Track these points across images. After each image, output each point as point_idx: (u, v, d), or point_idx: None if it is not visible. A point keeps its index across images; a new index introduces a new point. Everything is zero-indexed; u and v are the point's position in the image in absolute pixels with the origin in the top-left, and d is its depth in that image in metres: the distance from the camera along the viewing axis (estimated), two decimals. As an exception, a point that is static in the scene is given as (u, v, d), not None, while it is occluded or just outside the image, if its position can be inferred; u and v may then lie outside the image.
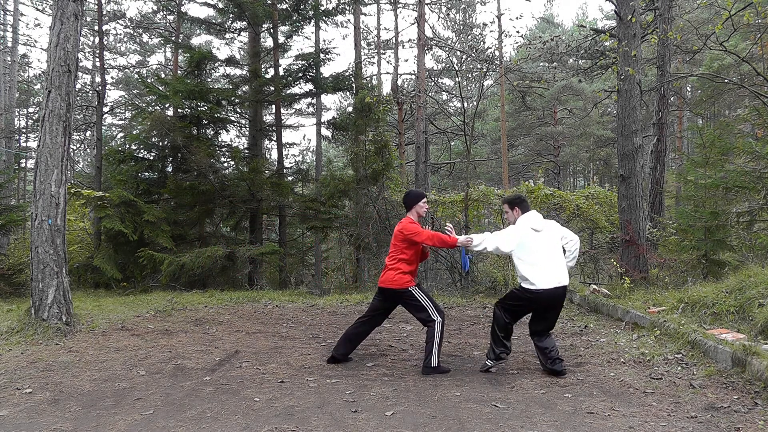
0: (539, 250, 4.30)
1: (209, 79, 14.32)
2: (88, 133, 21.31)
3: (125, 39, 26.07)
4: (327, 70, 27.10)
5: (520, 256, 4.33)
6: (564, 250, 4.48)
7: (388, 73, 27.30)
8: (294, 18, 13.79)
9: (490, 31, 27.97)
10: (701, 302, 5.42)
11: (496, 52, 21.92)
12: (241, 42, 19.81)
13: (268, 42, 13.99)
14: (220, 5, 13.68)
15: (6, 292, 10.74)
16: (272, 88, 13.20)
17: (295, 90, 14.17)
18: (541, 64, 25.67)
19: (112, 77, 26.33)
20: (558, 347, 4.86)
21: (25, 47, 25.22)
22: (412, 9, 19.27)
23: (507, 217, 4.63)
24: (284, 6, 13.83)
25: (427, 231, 4.61)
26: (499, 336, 4.44)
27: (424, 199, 4.71)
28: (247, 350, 5.23)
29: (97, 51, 19.46)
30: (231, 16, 13.78)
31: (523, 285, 4.33)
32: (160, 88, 12.58)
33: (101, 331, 5.90)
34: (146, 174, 12.65)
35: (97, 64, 22.09)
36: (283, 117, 15.29)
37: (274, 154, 15.85)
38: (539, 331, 4.43)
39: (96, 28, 17.39)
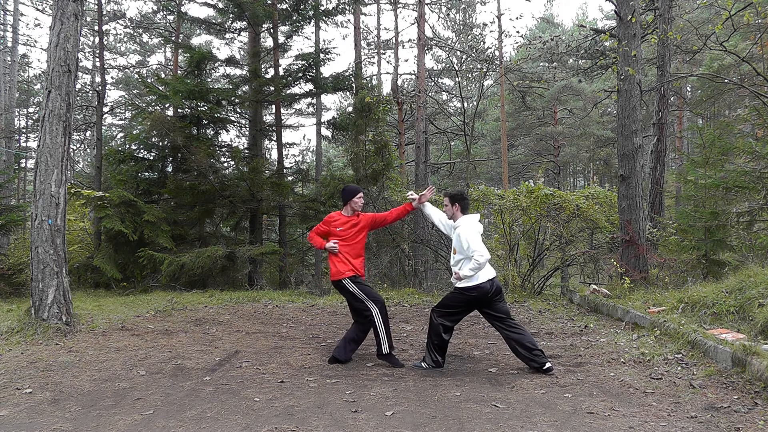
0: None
1: (209, 79, 14.33)
2: (88, 133, 21.31)
3: (125, 39, 26.09)
4: (327, 70, 27.16)
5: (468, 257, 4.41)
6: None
7: (388, 73, 27.31)
8: (294, 18, 13.80)
9: (490, 31, 27.97)
10: (701, 302, 5.42)
11: (496, 52, 21.93)
12: (241, 42, 19.86)
13: (268, 42, 14.00)
14: (220, 5, 13.69)
15: (6, 292, 10.74)
16: (272, 88, 13.20)
17: (295, 90, 14.17)
18: (541, 64, 25.69)
19: (112, 77, 26.35)
20: (557, 346, 4.88)
21: (25, 47, 25.25)
22: (412, 9, 19.28)
23: (445, 211, 4.72)
24: (284, 6, 13.83)
25: (311, 232, 4.98)
26: (434, 344, 4.54)
27: (360, 194, 4.98)
28: (247, 350, 5.23)
29: (97, 51, 19.46)
30: (231, 16, 13.78)
31: (465, 284, 4.38)
32: (160, 88, 12.58)
33: (101, 331, 5.90)
34: (146, 174, 12.67)
35: (97, 64, 22.09)
36: (283, 117, 15.29)
37: (274, 154, 15.88)
38: (503, 319, 4.47)
39: (96, 28, 17.39)
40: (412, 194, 5.04)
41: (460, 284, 4.40)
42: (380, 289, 9.77)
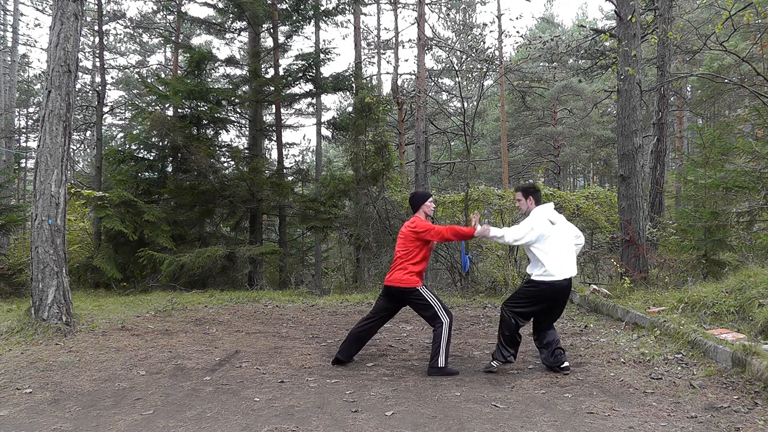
0: (556, 242, 4.31)
1: (209, 79, 14.33)
2: (88, 133, 21.30)
3: (125, 39, 26.09)
4: (327, 70, 27.11)
5: (540, 246, 4.31)
6: None
7: (388, 73, 27.32)
8: (294, 18, 13.80)
9: (490, 31, 27.93)
10: (701, 302, 5.42)
11: (496, 52, 21.93)
12: (241, 42, 19.83)
13: (268, 42, 14.00)
14: (220, 5, 13.69)
15: (6, 292, 10.74)
16: (272, 88, 13.20)
17: (295, 90, 14.17)
18: (541, 64, 25.68)
19: (112, 77, 26.35)
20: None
21: (25, 47, 25.24)
22: (412, 9, 19.26)
23: (519, 206, 4.61)
24: (284, 6, 13.83)
25: (440, 226, 4.57)
26: (506, 337, 4.40)
27: (431, 199, 4.73)
28: (247, 350, 5.23)
29: (97, 51, 19.46)
30: (231, 16, 13.78)
31: (536, 277, 4.30)
32: (160, 88, 12.58)
33: (101, 331, 5.90)
34: (146, 174, 12.67)
35: (97, 64, 22.09)
36: (283, 117, 15.29)
37: (274, 154, 15.87)
38: (543, 328, 4.42)
39: (96, 28, 17.39)
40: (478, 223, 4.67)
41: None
42: (379, 289, 9.77)
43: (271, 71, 13.70)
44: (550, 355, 4.33)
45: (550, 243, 4.29)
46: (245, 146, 13.69)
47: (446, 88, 25.08)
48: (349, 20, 20.16)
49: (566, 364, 4.30)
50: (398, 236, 4.69)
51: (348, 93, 15.02)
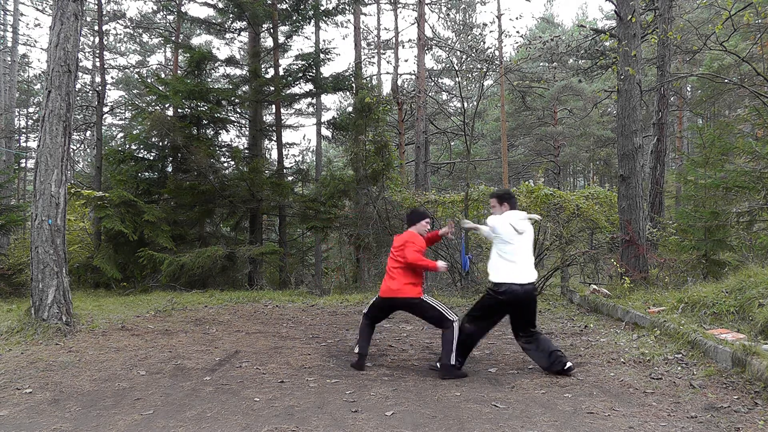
0: (515, 250, 4.31)
1: (209, 79, 14.33)
2: (88, 133, 21.31)
3: (125, 39, 26.08)
4: (327, 70, 27.13)
5: (498, 249, 4.36)
6: None
7: (388, 73, 27.32)
8: (294, 18, 13.80)
9: (490, 31, 27.98)
10: (701, 302, 5.42)
11: (496, 52, 21.92)
12: (241, 42, 19.85)
13: (268, 42, 14.00)
14: (220, 5, 13.69)
15: (6, 292, 10.75)
16: (272, 88, 13.20)
17: (295, 90, 14.18)
18: (541, 64, 25.67)
19: (112, 77, 26.35)
20: (557, 346, 4.85)
21: (25, 47, 25.25)
22: (412, 9, 19.27)
23: (494, 211, 4.61)
24: (284, 6, 13.84)
25: (415, 256, 4.57)
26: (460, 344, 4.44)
27: (427, 219, 4.82)
28: (247, 350, 5.23)
29: (97, 51, 19.46)
30: (231, 16, 13.79)
31: (496, 281, 4.32)
32: (160, 88, 12.59)
33: (101, 331, 5.90)
34: (146, 174, 12.67)
35: (97, 64, 22.08)
36: (283, 117, 15.29)
37: (274, 154, 15.88)
38: (523, 330, 4.42)
39: (96, 28, 17.39)
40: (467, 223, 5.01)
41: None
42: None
43: (271, 71, 13.71)
44: (550, 363, 4.31)
45: (508, 248, 4.31)
46: (245, 146, 13.70)
47: (446, 88, 25.08)
48: (349, 20, 20.18)
49: (570, 364, 4.26)
50: (393, 246, 4.72)
51: (348, 93, 15.03)
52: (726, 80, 13.82)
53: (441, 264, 4.55)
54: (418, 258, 4.51)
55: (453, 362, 4.33)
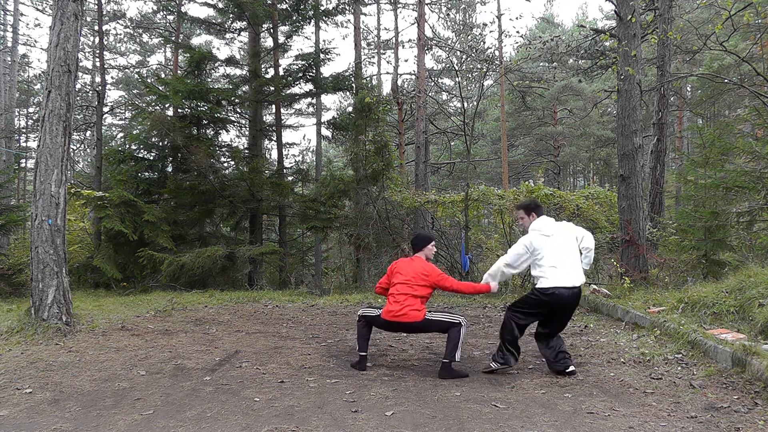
0: (549, 255, 4.27)
1: (209, 79, 14.33)
2: (88, 133, 21.32)
3: (125, 39, 26.10)
4: (327, 70, 27.06)
5: (534, 260, 4.34)
6: (580, 251, 4.45)
7: (388, 73, 27.34)
8: (294, 18, 13.80)
9: (490, 31, 27.95)
10: (701, 302, 5.42)
11: (496, 52, 21.93)
12: (241, 42, 19.84)
13: (268, 42, 14.00)
14: (220, 5, 13.69)
15: (6, 292, 10.75)
16: (272, 88, 13.20)
17: (295, 90, 14.18)
18: (541, 64, 25.68)
19: (112, 77, 26.37)
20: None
21: (25, 47, 25.25)
22: (412, 9, 19.27)
23: (523, 223, 4.56)
24: (284, 6, 13.84)
25: (461, 282, 4.69)
26: (507, 340, 4.38)
27: (433, 243, 4.83)
28: (247, 350, 5.23)
29: (97, 51, 19.47)
30: (231, 16, 13.79)
31: (539, 285, 4.29)
32: (160, 88, 12.59)
33: (101, 331, 5.90)
34: (146, 174, 12.68)
35: (97, 64, 22.09)
36: (283, 117, 15.29)
37: (274, 154, 15.88)
38: (547, 334, 4.37)
39: (96, 28, 17.40)
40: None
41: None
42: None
43: (271, 71, 13.71)
44: (554, 360, 4.30)
45: (543, 255, 4.28)
46: (245, 146, 13.70)
47: (446, 88, 25.09)
48: (349, 20, 20.18)
49: (572, 368, 4.24)
50: (403, 273, 4.61)
51: (348, 93, 15.03)
52: (726, 80, 13.82)
53: (494, 285, 4.55)
54: (467, 285, 4.59)
55: (457, 359, 4.35)
